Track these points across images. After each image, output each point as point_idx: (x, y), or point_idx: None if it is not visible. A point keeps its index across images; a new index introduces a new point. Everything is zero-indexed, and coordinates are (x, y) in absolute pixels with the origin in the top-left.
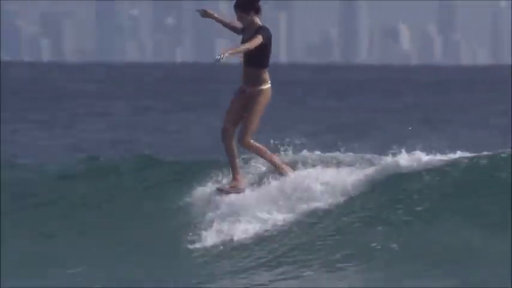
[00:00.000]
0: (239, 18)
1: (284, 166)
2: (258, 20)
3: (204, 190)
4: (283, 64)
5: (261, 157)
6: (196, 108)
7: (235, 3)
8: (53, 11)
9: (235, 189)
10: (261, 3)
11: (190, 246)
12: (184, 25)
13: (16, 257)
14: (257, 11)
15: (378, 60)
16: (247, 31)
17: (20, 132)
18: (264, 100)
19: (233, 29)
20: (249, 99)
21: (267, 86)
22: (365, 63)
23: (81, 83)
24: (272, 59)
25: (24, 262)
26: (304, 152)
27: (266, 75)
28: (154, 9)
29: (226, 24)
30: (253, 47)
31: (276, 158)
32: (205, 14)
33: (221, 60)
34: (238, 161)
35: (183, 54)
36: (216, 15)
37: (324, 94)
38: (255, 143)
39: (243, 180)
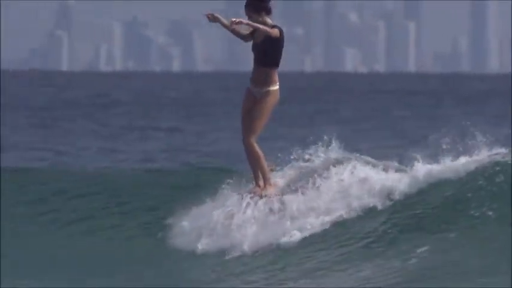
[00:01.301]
0: (250, 18)
1: (271, 183)
2: (269, 20)
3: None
4: (412, 73)
5: (254, 162)
6: (319, 117)
7: (246, 2)
8: (183, 20)
9: (254, 194)
10: (271, 3)
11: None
12: (313, 34)
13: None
14: (268, 11)
15: (508, 69)
16: (259, 32)
17: (150, 140)
18: (272, 101)
19: (239, 35)
20: (257, 100)
21: (276, 87)
22: (494, 73)
23: (212, 92)
24: (400, 68)
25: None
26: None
27: (276, 76)
28: (283, 19)
29: (232, 30)
30: (269, 34)
31: (268, 171)
32: (213, 18)
33: (233, 25)
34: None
35: (312, 64)
36: (223, 20)
37: (453, 103)
38: (257, 146)
39: (267, 186)
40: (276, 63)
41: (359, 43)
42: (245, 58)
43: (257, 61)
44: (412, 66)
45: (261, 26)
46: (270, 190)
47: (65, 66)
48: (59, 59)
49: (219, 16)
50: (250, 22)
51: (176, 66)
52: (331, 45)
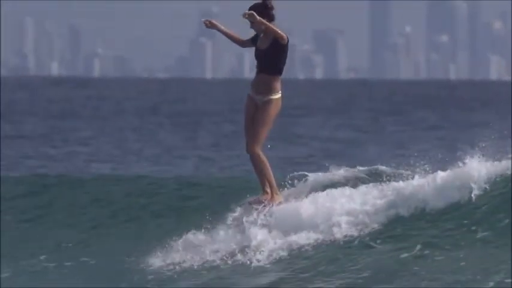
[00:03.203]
0: (252, 24)
1: (277, 192)
2: None
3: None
4: None
5: (261, 170)
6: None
7: (252, 6)
8: (326, 29)
9: (260, 203)
10: (274, 11)
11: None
12: (458, 42)
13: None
14: (271, 18)
15: None
16: (263, 38)
17: (293, 146)
18: (274, 110)
19: (237, 41)
20: (259, 109)
21: (278, 95)
22: None
23: (358, 99)
24: None
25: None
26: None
27: (278, 84)
28: (427, 27)
29: (231, 37)
30: (280, 36)
31: (273, 180)
32: (211, 25)
33: (245, 16)
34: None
35: (457, 72)
36: (221, 27)
37: None
38: (262, 155)
39: (274, 195)
40: (279, 71)
41: (503, 50)
42: (388, 67)
43: (260, 68)
44: None
45: (273, 26)
46: (278, 198)
47: (208, 74)
48: (203, 67)
49: (216, 23)
50: (262, 20)
51: (319, 73)
52: (477, 52)
